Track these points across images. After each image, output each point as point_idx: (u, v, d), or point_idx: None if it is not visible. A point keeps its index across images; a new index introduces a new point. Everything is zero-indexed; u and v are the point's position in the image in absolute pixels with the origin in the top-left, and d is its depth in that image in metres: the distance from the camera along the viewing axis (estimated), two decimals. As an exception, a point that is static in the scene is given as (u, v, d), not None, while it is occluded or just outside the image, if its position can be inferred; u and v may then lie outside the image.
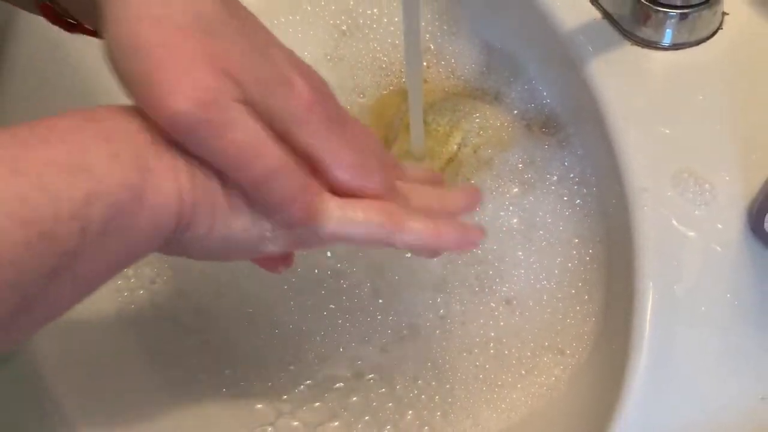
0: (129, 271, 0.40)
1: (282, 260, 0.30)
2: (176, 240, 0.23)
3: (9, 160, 0.20)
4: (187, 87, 0.21)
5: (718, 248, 0.31)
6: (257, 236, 0.25)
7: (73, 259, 0.21)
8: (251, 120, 0.23)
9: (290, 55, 0.26)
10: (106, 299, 0.39)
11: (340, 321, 0.38)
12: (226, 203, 0.24)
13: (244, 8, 0.25)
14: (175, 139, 0.22)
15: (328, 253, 0.40)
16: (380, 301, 0.38)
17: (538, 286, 0.38)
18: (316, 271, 0.39)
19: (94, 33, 0.29)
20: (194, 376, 0.38)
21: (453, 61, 0.47)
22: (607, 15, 0.38)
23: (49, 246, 0.20)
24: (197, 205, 0.23)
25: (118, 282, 0.40)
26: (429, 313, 0.37)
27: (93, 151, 0.21)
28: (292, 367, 0.37)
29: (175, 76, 0.21)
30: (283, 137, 0.24)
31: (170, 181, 0.22)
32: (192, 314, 0.40)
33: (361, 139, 0.27)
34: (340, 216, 0.25)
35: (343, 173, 0.25)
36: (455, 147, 0.44)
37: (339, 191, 0.26)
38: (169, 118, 0.21)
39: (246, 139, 0.22)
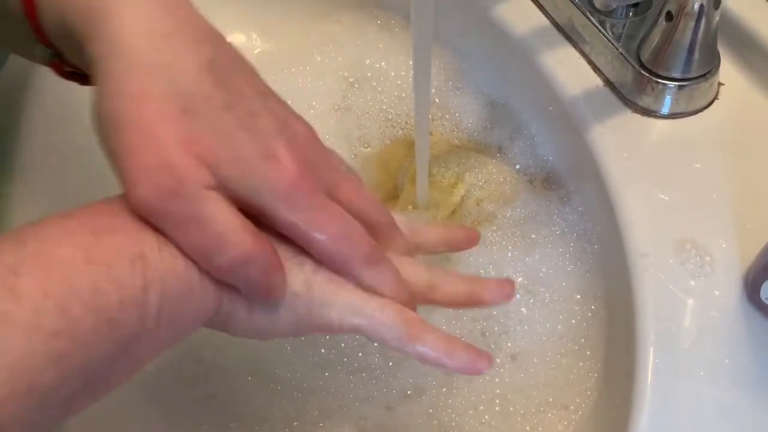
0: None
1: None
2: (217, 321, 0.25)
3: (84, 248, 0.21)
4: (153, 175, 0.22)
5: (716, 314, 0.32)
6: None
7: (133, 342, 0.22)
8: (220, 206, 0.23)
9: (283, 122, 0.25)
10: None
11: (343, 379, 0.38)
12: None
13: (237, 65, 0.25)
14: None
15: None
16: (387, 361, 0.39)
17: (541, 342, 0.39)
18: None
19: None
20: (198, 428, 0.39)
21: (457, 114, 0.49)
22: (608, 82, 0.39)
23: (114, 331, 0.21)
24: (233, 298, 0.25)
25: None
26: (435, 371, 0.38)
27: (147, 242, 0.22)
28: (295, 423, 0.38)
29: (145, 161, 0.22)
30: (264, 213, 0.24)
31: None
32: (194, 365, 0.40)
33: (358, 203, 0.27)
34: (352, 305, 0.26)
35: (327, 243, 0.25)
36: (459, 199, 0.46)
37: (327, 265, 0.26)
38: (134, 205, 0.22)
39: (210, 230, 0.22)
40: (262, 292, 0.24)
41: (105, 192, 0.36)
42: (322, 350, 0.39)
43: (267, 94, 0.26)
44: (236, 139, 0.23)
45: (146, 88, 0.22)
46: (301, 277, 0.25)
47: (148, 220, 0.23)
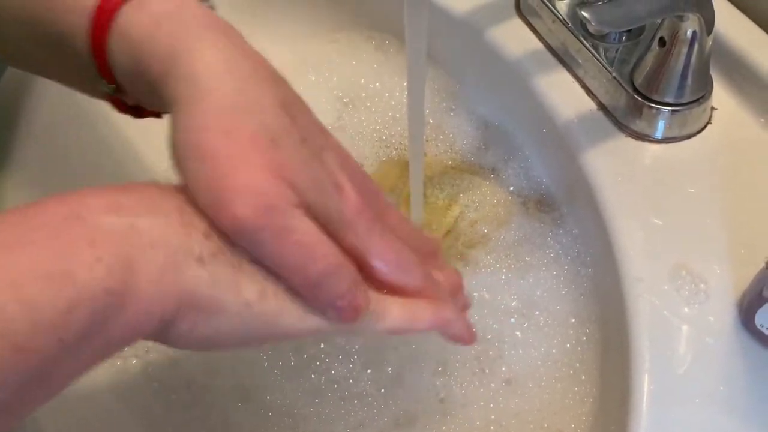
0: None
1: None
2: (160, 336, 0.24)
3: None
4: (249, 194, 0.23)
5: (711, 341, 0.32)
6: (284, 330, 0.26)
7: (49, 366, 0.21)
8: (308, 223, 0.24)
9: (343, 157, 0.28)
10: (99, 367, 0.39)
11: (335, 406, 0.38)
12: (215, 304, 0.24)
13: (300, 103, 0.27)
14: (165, 237, 0.23)
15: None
16: (379, 388, 0.38)
17: (536, 366, 0.39)
18: (305, 356, 0.40)
19: (159, 114, 0.31)
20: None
21: (452, 136, 0.49)
22: (602, 106, 0.40)
23: (23, 358, 0.20)
24: (183, 308, 0.23)
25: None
26: (429, 397, 0.38)
27: (76, 256, 0.21)
28: (286, 450, 0.38)
29: (239, 184, 0.23)
30: (331, 236, 0.25)
31: (153, 285, 0.22)
32: (185, 388, 0.40)
33: (404, 233, 0.30)
34: (400, 316, 0.28)
35: (386, 270, 0.27)
36: (453, 220, 0.46)
37: (383, 286, 0.28)
38: (232, 223, 0.23)
39: (303, 241, 0.24)
40: (348, 311, 0.25)
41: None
42: (313, 376, 0.39)
43: (325, 131, 0.28)
44: (312, 167, 0.25)
45: (236, 125, 0.24)
46: (257, 287, 0.25)
47: (239, 238, 0.23)
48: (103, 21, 0.26)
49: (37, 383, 0.21)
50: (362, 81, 0.51)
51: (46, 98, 0.44)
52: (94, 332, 0.21)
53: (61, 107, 0.44)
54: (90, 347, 0.21)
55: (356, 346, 0.40)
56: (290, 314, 0.25)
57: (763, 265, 0.30)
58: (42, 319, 0.20)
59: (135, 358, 0.40)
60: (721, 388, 0.31)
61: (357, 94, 0.51)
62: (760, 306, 0.30)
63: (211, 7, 0.29)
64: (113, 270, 0.21)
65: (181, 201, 0.24)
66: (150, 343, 0.40)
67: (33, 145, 0.43)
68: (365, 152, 0.49)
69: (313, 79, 0.52)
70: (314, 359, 0.40)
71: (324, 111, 0.51)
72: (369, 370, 0.39)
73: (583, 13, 0.30)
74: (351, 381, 0.39)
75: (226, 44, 0.25)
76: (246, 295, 0.24)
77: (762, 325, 0.30)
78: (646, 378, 0.32)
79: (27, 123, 0.44)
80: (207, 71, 0.24)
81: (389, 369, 0.39)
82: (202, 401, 0.39)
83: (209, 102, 0.24)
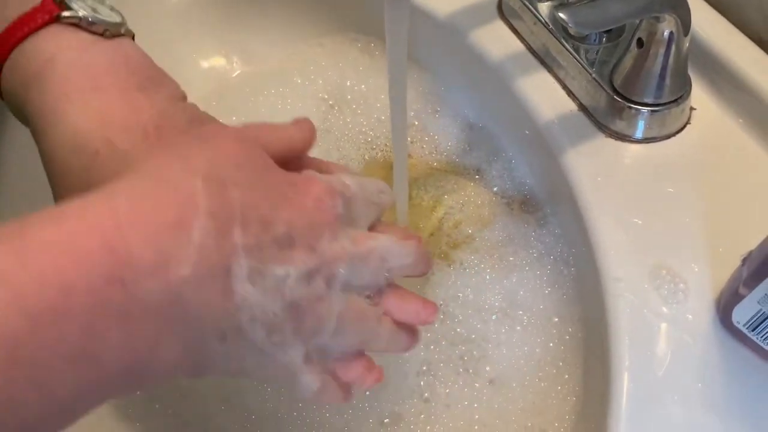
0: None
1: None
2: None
3: (8, 342, 0.18)
4: None
5: (689, 339, 0.33)
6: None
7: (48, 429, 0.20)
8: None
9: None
10: None
11: (318, 409, 0.38)
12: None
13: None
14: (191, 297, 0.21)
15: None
16: (362, 390, 0.38)
17: (520, 366, 0.39)
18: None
19: None
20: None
21: (436, 137, 0.49)
22: (582, 107, 0.40)
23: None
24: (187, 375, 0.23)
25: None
26: (413, 398, 0.38)
27: (105, 339, 0.19)
28: (271, 451, 0.38)
29: None
30: None
31: (169, 365, 0.21)
32: (167, 392, 0.40)
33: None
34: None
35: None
36: (438, 221, 0.46)
37: None
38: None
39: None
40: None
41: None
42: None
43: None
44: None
45: None
46: (254, 360, 0.25)
47: None
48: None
49: None
50: (348, 83, 0.52)
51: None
52: (101, 401, 0.21)
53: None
54: (93, 407, 0.21)
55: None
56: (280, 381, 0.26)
57: (739, 263, 0.31)
58: (53, 403, 0.19)
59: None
60: (700, 385, 0.32)
61: (342, 96, 0.51)
62: (736, 303, 0.30)
63: (123, 32, 0.30)
64: (140, 355, 0.20)
65: (242, 207, 0.22)
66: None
67: (12, 143, 0.43)
68: (351, 154, 0.50)
69: (299, 81, 0.52)
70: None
71: (309, 113, 0.51)
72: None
73: (560, 14, 0.31)
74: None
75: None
76: (246, 365, 0.24)
77: (739, 322, 0.31)
78: (625, 376, 0.32)
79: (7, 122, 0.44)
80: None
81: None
82: (185, 405, 0.39)
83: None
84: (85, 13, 0.28)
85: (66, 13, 0.28)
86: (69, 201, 0.20)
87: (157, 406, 0.39)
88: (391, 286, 0.30)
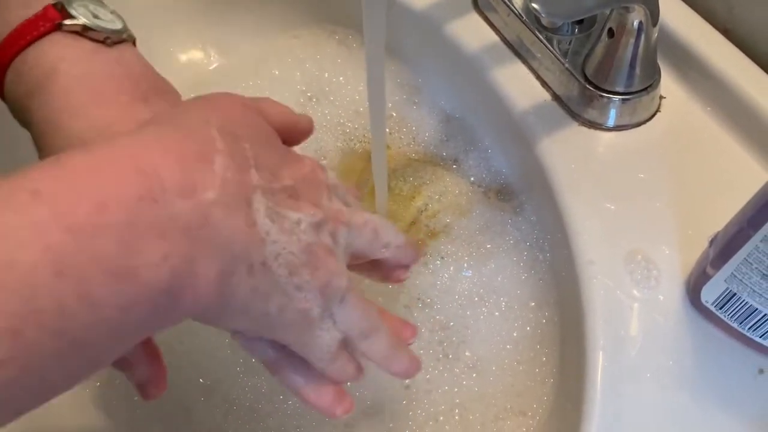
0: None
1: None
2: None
3: (54, 257, 0.18)
4: None
5: (661, 319, 0.34)
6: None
7: (101, 354, 0.21)
8: None
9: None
10: None
11: (299, 402, 0.38)
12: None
13: None
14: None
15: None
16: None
17: (498, 350, 0.40)
18: None
19: None
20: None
21: (414, 128, 0.49)
22: (556, 97, 0.41)
23: (77, 351, 0.19)
24: (218, 310, 0.23)
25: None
26: (394, 386, 0.39)
27: (143, 254, 0.20)
28: (252, 443, 0.38)
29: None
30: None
31: (205, 292, 0.22)
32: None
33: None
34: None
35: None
36: (417, 211, 0.47)
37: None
38: None
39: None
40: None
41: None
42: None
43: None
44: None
45: None
46: (281, 300, 0.26)
47: None
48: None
49: (84, 368, 0.21)
50: (326, 75, 0.52)
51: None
52: (143, 327, 0.21)
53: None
54: (136, 333, 0.22)
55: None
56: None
57: (707, 244, 0.32)
58: (100, 317, 0.19)
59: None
60: (671, 362, 0.33)
61: (320, 88, 0.52)
62: (704, 283, 0.31)
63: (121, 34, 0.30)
64: (177, 272, 0.21)
65: (254, 157, 0.24)
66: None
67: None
68: (329, 145, 0.50)
69: (277, 73, 0.52)
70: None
71: (288, 105, 0.51)
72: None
73: (533, 4, 0.31)
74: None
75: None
76: (269, 307, 0.25)
77: (707, 302, 0.32)
78: (600, 355, 0.33)
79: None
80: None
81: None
82: (165, 397, 0.39)
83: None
84: (86, 21, 0.28)
85: (67, 22, 0.28)
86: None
87: (135, 398, 0.40)
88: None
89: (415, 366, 0.31)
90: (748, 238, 0.28)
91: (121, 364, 0.29)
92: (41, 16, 0.28)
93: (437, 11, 0.46)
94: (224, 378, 0.40)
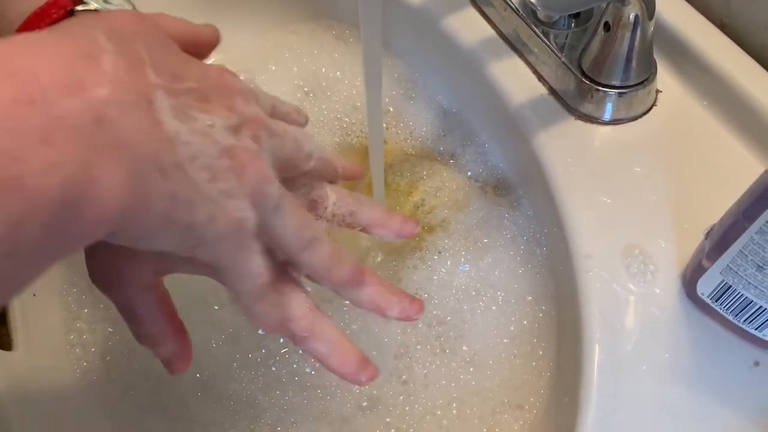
0: (83, 326, 0.41)
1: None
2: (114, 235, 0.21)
3: None
4: None
5: (657, 311, 0.34)
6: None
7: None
8: None
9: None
10: (55, 358, 0.39)
11: (297, 396, 0.38)
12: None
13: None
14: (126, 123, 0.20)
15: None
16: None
17: (496, 344, 0.40)
18: (263, 351, 0.40)
19: None
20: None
21: (411, 123, 0.50)
22: (552, 91, 0.41)
23: None
24: (132, 223, 0.21)
25: (71, 336, 0.41)
26: (392, 380, 0.39)
27: (28, 161, 0.18)
28: (248, 438, 0.38)
29: None
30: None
31: (111, 200, 0.20)
32: (143, 379, 0.40)
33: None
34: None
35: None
36: (414, 207, 0.47)
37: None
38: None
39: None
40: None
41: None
42: (273, 368, 0.39)
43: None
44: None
45: None
46: (209, 209, 0.23)
47: None
48: None
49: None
50: (323, 70, 0.52)
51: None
52: (45, 245, 0.19)
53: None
54: (41, 252, 0.19)
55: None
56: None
57: (702, 237, 0.32)
58: None
59: (93, 345, 0.41)
60: (667, 355, 0.33)
61: (318, 83, 0.52)
62: (700, 275, 0.32)
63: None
64: (70, 179, 0.18)
65: (150, 59, 0.22)
66: (109, 330, 0.41)
67: None
68: (326, 140, 0.50)
69: (274, 69, 0.52)
70: (273, 353, 0.40)
71: (285, 100, 0.51)
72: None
73: (530, -2, 0.31)
74: (312, 372, 0.40)
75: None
76: (196, 216, 0.22)
77: (703, 294, 0.32)
78: (596, 348, 0.33)
79: None
80: None
81: (351, 356, 0.40)
82: (162, 392, 0.39)
83: None
84: (97, 6, 0.28)
85: (80, 8, 0.28)
86: None
87: (132, 392, 0.40)
88: (373, 275, 0.30)
89: (360, 272, 0.30)
90: (743, 230, 0.28)
91: (148, 340, 0.29)
92: (53, 3, 0.27)
93: (434, 6, 0.46)
94: (221, 372, 0.40)
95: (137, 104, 0.21)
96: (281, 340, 0.41)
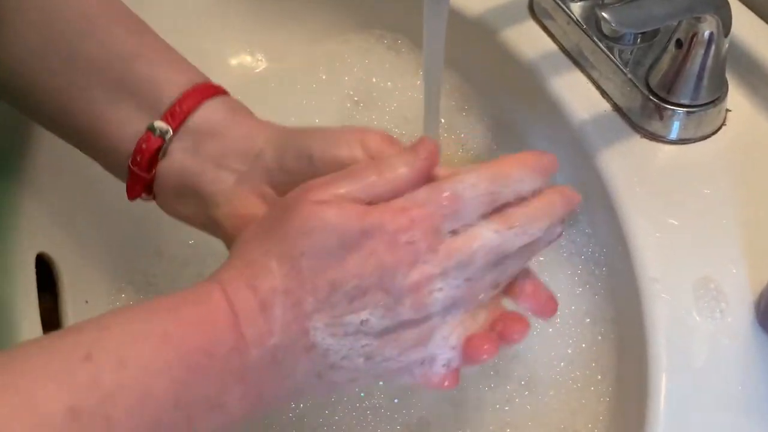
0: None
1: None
2: None
3: (173, 395, 0.24)
4: None
5: (727, 341, 0.33)
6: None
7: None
8: None
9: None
10: None
11: (347, 417, 0.38)
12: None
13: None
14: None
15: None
16: (392, 399, 0.38)
17: (552, 366, 0.39)
18: None
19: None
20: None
21: (463, 136, 0.49)
22: (617, 108, 0.40)
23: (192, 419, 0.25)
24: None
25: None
26: (442, 403, 0.38)
27: (229, 393, 0.25)
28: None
29: None
30: None
31: (280, 398, 0.27)
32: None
33: None
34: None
35: None
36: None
37: None
38: None
39: None
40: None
41: (112, 190, 0.36)
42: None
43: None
44: None
45: None
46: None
47: None
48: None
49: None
50: (374, 80, 0.52)
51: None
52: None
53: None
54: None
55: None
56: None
57: (780, 265, 0.31)
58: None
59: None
60: (740, 387, 0.32)
61: (368, 93, 0.51)
62: (778, 306, 0.30)
63: None
64: (251, 404, 0.26)
65: (309, 272, 0.26)
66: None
67: (44, 151, 0.43)
68: (376, 152, 0.50)
69: (325, 78, 0.52)
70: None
71: (335, 110, 0.51)
72: (381, 383, 0.38)
73: (603, 14, 0.30)
74: (363, 394, 0.39)
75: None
76: (360, 384, 0.28)
77: (780, 325, 0.31)
78: (663, 377, 0.32)
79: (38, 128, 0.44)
80: None
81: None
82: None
83: None
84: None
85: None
86: (200, 286, 0.27)
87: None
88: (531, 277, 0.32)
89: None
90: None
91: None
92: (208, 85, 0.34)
93: (492, 17, 0.45)
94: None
95: (296, 341, 0.26)
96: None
